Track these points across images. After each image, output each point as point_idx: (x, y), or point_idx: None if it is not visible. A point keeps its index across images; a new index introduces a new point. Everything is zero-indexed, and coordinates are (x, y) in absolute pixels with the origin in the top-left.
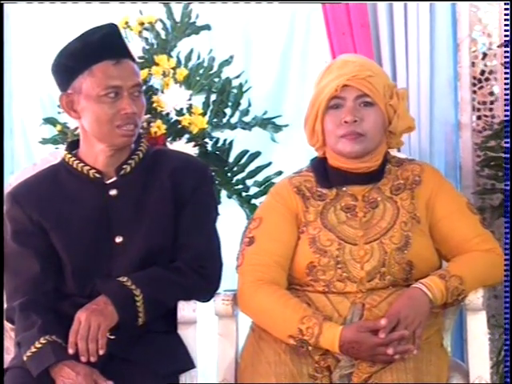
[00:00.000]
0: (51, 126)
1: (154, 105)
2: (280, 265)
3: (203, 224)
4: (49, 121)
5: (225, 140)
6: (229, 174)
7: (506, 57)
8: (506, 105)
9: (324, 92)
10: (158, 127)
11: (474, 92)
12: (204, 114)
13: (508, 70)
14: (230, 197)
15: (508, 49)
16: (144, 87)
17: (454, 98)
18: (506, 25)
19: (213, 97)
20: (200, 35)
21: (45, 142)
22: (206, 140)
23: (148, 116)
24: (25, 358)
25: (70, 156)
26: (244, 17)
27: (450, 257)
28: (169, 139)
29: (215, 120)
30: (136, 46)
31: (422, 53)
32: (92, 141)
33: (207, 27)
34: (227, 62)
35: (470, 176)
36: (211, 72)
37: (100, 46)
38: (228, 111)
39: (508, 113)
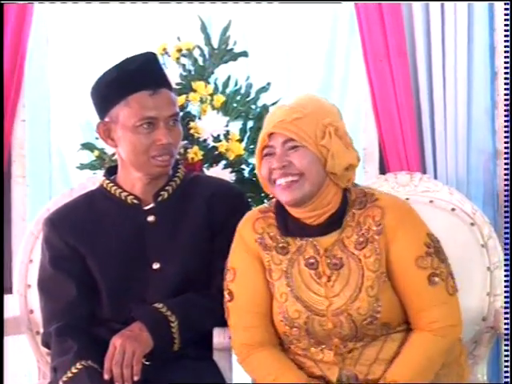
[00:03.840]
0: (89, 152)
1: (192, 131)
2: (265, 319)
3: None
4: (86, 146)
5: None
6: (265, 201)
7: (506, 57)
8: (505, 105)
9: (258, 142)
10: (195, 153)
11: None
12: (241, 141)
13: (508, 71)
14: None
15: (508, 49)
16: (181, 113)
17: (492, 127)
18: (506, 25)
19: (250, 123)
20: (237, 62)
21: (82, 167)
22: (243, 166)
23: (185, 142)
24: (61, 383)
25: (108, 182)
26: (282, 43)
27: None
28: (206, 165)
29: (252, 146)
30: (174, 72)
31: (459, 81)
32: (129, 168)
33: (245, 54)
34: (264, 89)
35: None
36: (248, 98)
37: (136, 76)
38: None
39: (508, 113)
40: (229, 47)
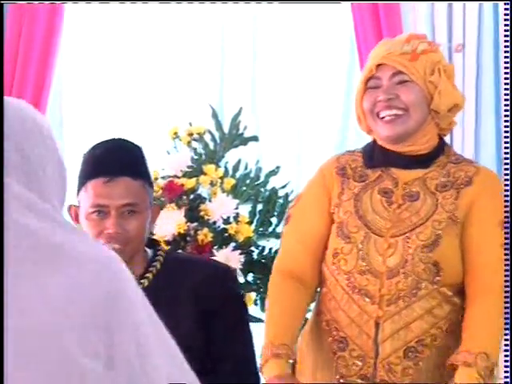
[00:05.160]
0: None
1: (202, 213)
2: (311, 251)
3: (238, 332)
4: None
5: (270, 249)
6: None
7: (506, 57)
8: (505, 105)
9: (363, 72)
10: (205, 235)
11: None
12: (250, 223)
13: (508, 71)
14: None
15: (508, 49)
16: (192, 196)
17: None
18: (505, 25)
19: (259, 206)
20: (247, 146)
21: None
22: (252, 248)
23: (195, 224)
24: None
25: None
26: (292, 127)
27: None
28: (215, 247)
29: (261, 229)
30: (185, 155)
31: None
32: None
33: (255, 138)
34: (273, 172)
35: None
36: (258, 182)
37: (96, 162)
38: (274, 220)
39: (508, 113)
40: (239, 132)
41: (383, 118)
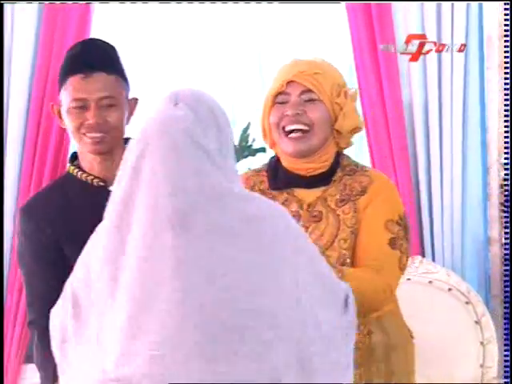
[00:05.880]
0: None
1: None
2: None
3: None
4: None
5: None
6: None
7: (506, 57)
8: (505, 105)
9: (271, 89)
10: None
11: (503, 211)
12: None
13: (508, 70)
14: None
15: (508, 49)
16: None
17: (484, 217)
18: (505, 25)
19: None
20: (256, 156)
21: None
22: None
23: None
24: None
25: (72, 167)
26: None
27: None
28: None
29: None
30: None
31: (454, 175)
32: (80, 149)
33: (262, 150)
34: None
35: (498, 286)
36: None
37: (73, 61)
38: None
39: (508, 113)
40: (248, 143)
41: (289, 133)
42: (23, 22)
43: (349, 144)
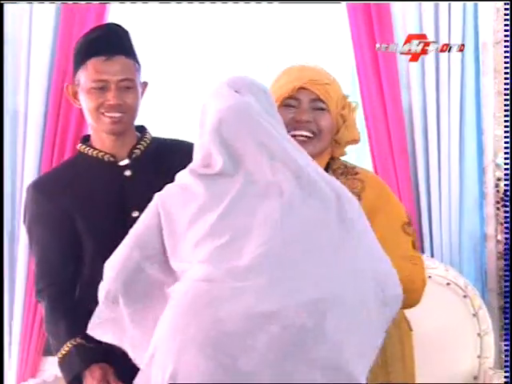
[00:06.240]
0: None
1: None
2: None
3: None
4: None
5: None
6: None
7: (506, 57)
8: (505, 100)
9: (281, 91)
10: None
11: (498, 209)
12: None
13: (508, 70)
14: None
15: (508, 49)
16: None
17: (480, 215)
18: (506, 25)
19: None
20: None
21: None
22: None
23: None
24: (58, 359)
25: (84, 146)
26: None
27: None
28: None
29: None
30: None
31: (452, 175)
32: (94, 128)
33: None
34: None
35: (494, 280)
36: None
37: (94, 44)
38: None
39: (508, 113)
40: None
41: (293, 136)
42: (41, 21)
43: (343, 154)
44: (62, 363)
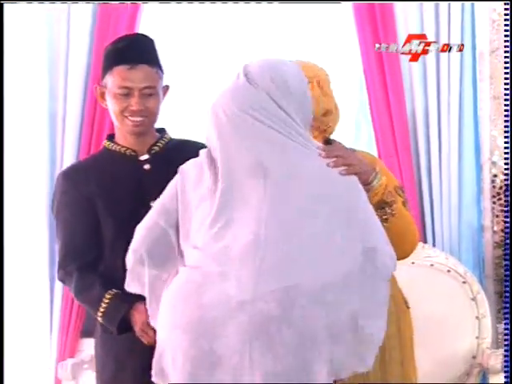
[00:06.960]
0: None
1: None
2: None
3: None
4: None
5: None
6: None
7: (506, 57)
8: (505, 105)
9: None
10: None
11: (494, 203)
12: None
13: (508, 71)
14: None
15: (508, 49)
16: None
17: (478, 207)
18: (506, 25)
19: None
20: None
21: None
22: None
23: None
24: (99, 315)
25: (108, 142)
26: None
27: None
28: None
29: None
30: None
31: (452, 172)
32: (118, 127)
33: None
34: None
35: (490, 267)
36: None
37: (121, 52)
38: None
39: (508, 113)
40: None
41: None
42: (79, 22)
43: (330, 130)
44: (106, 313)
